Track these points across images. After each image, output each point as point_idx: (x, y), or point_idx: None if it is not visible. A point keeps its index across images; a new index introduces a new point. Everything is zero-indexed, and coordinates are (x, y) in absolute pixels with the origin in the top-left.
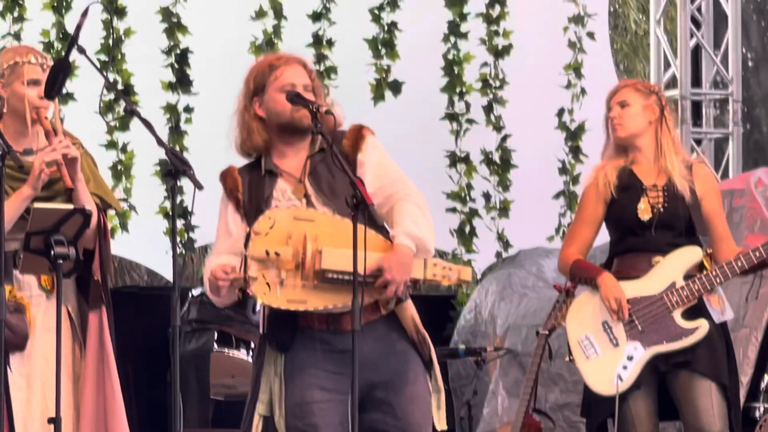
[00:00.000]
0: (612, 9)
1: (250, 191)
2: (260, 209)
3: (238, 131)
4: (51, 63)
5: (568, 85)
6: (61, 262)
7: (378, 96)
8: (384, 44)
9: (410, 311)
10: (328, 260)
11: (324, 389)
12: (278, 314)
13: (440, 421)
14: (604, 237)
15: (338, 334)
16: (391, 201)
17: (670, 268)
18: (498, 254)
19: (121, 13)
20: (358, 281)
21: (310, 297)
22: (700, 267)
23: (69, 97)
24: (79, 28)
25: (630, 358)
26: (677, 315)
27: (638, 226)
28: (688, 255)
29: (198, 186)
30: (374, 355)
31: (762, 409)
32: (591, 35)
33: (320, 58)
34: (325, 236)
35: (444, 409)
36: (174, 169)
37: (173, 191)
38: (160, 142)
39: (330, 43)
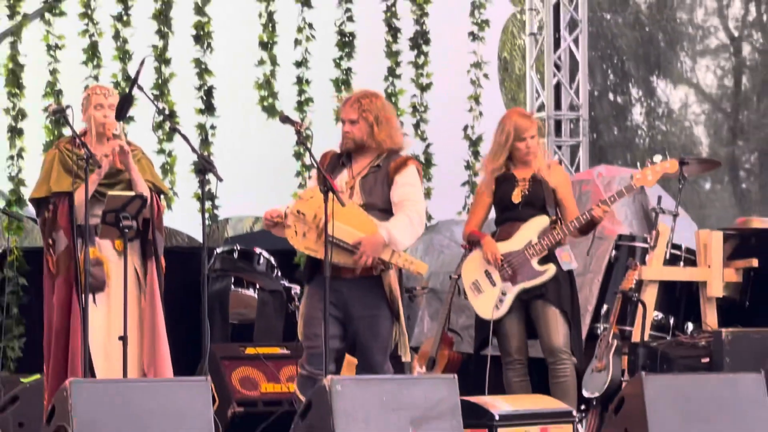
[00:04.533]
0: (504, 57)
1: (330, 165)
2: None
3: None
4: (112, 93)
5: (471, 110)
6: (127, 231)
7: (340, 118)
8: (343, 83)
9: (389, 279)
10: (334, 230)
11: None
12: (308, 260)
13: (405, 353)
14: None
15: (337, 279)
16: (398, 209)
17: (528, 231)
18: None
19: (167, 62)
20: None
21: (320, 249)
22: (554, 229)
23: (131, 119)
24: (138, 72)
25: (504, 293)
26: (534, 262)
27: (512, 205)
28: (540, 221)
29: (219, 179)
30: (359, 297)
31: (602, 327)
32: (486, 76)
33: (301, 92)
34: (342, 215)
35: (407, 346)
36: (203, 167)
37: (202, 183)
38: (193, 149)
39: (308, 82)
